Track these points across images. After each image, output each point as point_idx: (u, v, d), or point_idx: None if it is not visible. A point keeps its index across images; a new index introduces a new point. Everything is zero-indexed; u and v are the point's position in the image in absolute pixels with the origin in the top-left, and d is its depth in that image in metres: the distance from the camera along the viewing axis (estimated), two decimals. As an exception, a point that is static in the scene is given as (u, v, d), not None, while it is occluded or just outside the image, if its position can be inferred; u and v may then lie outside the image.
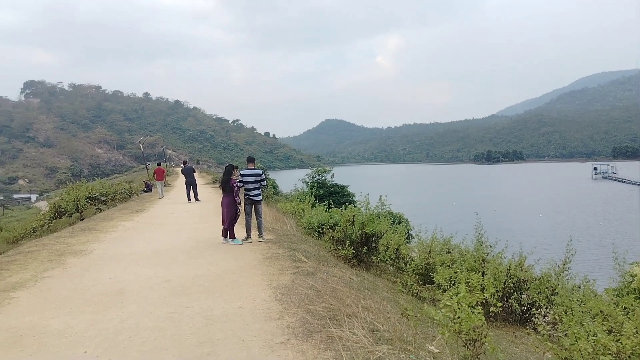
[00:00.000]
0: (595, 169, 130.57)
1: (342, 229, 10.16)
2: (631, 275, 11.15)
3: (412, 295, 8.79)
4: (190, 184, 21.89)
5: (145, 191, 29.47)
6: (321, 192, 28.26)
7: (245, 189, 10.31)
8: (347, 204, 28.35)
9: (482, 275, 10.38)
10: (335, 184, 30.25)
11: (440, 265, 12.00)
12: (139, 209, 18.72)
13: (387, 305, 6.63)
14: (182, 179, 27.11)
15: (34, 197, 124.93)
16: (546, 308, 9.70)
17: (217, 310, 5.52)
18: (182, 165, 24.10)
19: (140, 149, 42.30)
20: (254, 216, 10.52)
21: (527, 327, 9.58)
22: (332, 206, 17.46)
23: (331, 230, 10.88)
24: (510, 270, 10.23)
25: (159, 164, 26.88)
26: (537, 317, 9.83)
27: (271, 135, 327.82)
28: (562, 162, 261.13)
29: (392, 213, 26.20)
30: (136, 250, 9.65)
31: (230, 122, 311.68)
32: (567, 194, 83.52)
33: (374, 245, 9.98)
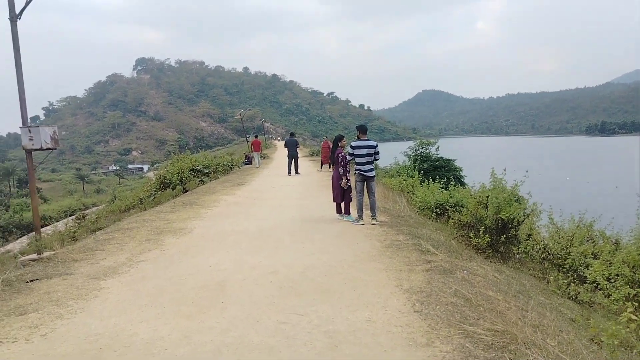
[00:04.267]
0: None
1: (473, 212, 8.51)
2: None
3: (570, 299, 7.01)
4: (293, 156, 21.08)
5: (246, 163, 29.36)
6: (425, 166, 26.30)
7: (357, 163, 8.97)
8: (454, 179, 26.26)
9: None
10: (441, 157, 28.07)
11: (582, 255, 10.00)
12: (240, 182, 18.19)
13: (557, 320, 5.00)
14: (280, 152, 26.71)
15: (146, 167, 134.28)
16: None
17: (340, 322, 4.25)
18: (288, 136, 23.23)
19: (241, 122, 42.64)
20: (366, 195, 9.19)
21: None
22: (438, 182, 15.70)
23: (457, 214, 9.26)
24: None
25: (256, 136, 27.49)
26: None
27: (366, 108, 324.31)
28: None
29: (504, 190, 23.75)
30: (238, 229, 8.74)
31: (325, 94, 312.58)
32: None
33: (515, 233, 8.23)
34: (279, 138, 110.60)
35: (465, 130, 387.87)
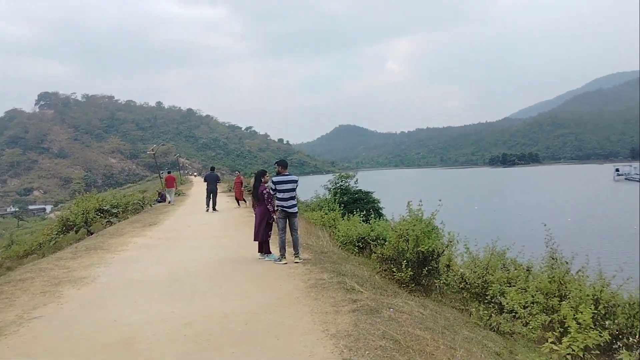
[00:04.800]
0: (617, 170, 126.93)
1: (394, 245, 8.45)
2: None
3: (492, 330, 7.04)
4: (212, 191, 20.47)
5: (160, 201, 28.02)
6: (345, 198, 26.52)
7: (279, 199, 8.67)
8: (373, 210, 26.64)
9: (560, 300, 8.65)
10: (360, 189, 28.49)
11: (497, 283, 10.28)
12: (153, 221, 17.17)
13: (484, 356, 4.91)
14: (197, 188, 25.96)
15: (49, 207, 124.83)
16: (636, 337, 7.93)
17: (264, 379, 3.85)
18: (208, 171, 22.55)
19: (153, 158, 41.03)
20: (288, 232, 8.88)
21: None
22: (358, 214, 15.76)
23: (379, 247, 9.18)
24: (597, 294, 8.48)
25: (169, 172, 26.83)
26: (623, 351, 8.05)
27: (285, 142, 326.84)
28: (579, 164, 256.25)
29: (421, 220, 24.42)
30: (148, 275, 8.04)
31: (243, 129, 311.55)
32: (594, 197, 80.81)
33: (435, 265, 8.25)
34: (195, 173, 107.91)
35: (380, 163, 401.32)
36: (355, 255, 10.68)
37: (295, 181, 8.67)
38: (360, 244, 11.10)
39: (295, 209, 8.69)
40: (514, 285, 10.47)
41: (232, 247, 10.72)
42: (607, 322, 8.29)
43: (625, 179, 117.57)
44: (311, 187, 33.85)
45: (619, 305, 8.40)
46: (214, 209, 20.37)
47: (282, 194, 8.58)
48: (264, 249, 9.06)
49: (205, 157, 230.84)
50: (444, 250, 8.55)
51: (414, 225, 8.20)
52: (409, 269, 7.79)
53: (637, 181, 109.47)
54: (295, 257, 8.65)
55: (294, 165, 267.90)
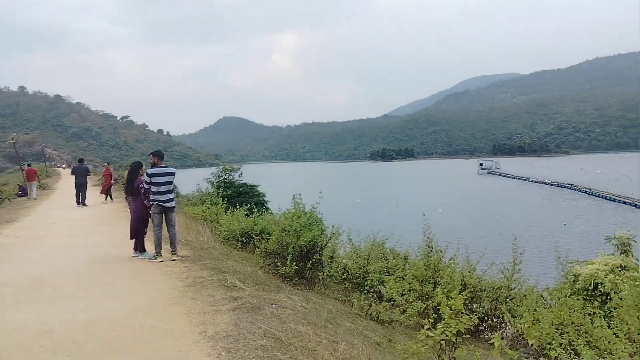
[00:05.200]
0: (481, 164, 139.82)
1: (278, 239, 8.33)
2: (574, 275, 10.55)
3: (373, 320, 7.22)
4: (81, 185, 19.15)
5: (21, 195, 25.26)
6: (229, 192, 25.94)
7: (154, 193, 8.12)
8: (258, 204, 26.41)
9: (434, 286, 9.17)
10: (244, 183, 28.05)
11: (377, 273, 10.68)
12: (10, 218, 15.37)
13: (365, 347, 4.96)
14: (66, 181, 23.87)
15: None
16: (498, 319, 8.69)
17: (132, 391, 3.50)
18: (76, 163, 21.01)
19: (14, 148, 36.90)
20: (165, 227, 8.37)
21: (479, 341, 8.51)
22: (242, 209, 15.49)
23: (263, 242, 9.01)
24: (466, 279, 9.11)
25: (29, 165, 26.02)
26: (491, 330, 8.78)
27: (165, 133, 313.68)
28: (449, 159, 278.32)
29: (305, 213, 24.79)
30: (2, 281, 7.09)
31: (118, 118, 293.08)
32: (463, 189, 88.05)
33: (319, 257, 8.27)
34: (64, 165, 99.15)
35: (266, 156, 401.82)
36: (238, 250, 10.40)
37: (173, 174, 8.21)
38: (243, 238, 10.83)
39: (172, 204, 8.22)
40: (393, 274, 10.94)
41: (103, 245, 9.89)
42: (474, 306, 8.95)
43: (488, 172, 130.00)
44: (193, 181, 32.75)
45: (484, 290, 9.09)
46: (83, 203, 19.03)
47: (158, 187, 8.05)
48: (138, 246, 8.46)
49: (76, 147, 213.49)
50: (327, 243, 8.61)
51: (297, 217, 8.14)
52: (293, 263, 7.71)
53: (498, 174, 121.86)
54: (173, 254, 8.18)
55: (175, 157, 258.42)
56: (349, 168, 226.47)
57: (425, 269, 9.68)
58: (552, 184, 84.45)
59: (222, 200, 20.15)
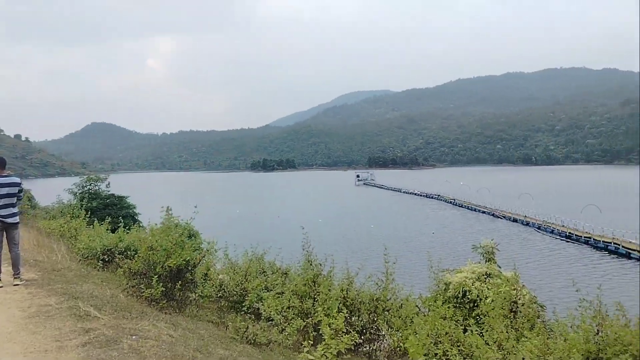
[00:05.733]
0: (358, 176, 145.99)
1: (144, 258, 7.48)
2: (445, 283, 10.99)
3: (249, 343, 6.71)
4: None
5: None
6: (94, 204, 23.69)
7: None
8: (128, 217, 24.50)
9: (314, 302, 8.92)
10: (112, 194, 25.84)
11: (256, 290, 10.24)
12: None
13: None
14: None
15: None
16: (377, 331, 8.70)
17: None
18: None
19: None
20: (6, 247, 7.13)
21: (358, 355, 8.43)
22: (105, 223, 14.12)
23: (127, 260, 8.06)
24: (344, 292, 8.98)
25: None
26: (370, 343, 8.75)
27: (23, 138, 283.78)
28: (328, 170, 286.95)
29: (177, 227, 23.59)
30: None
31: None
32: (341, 199, 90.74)
33: (191, 277, 7.56)
34: None
35: (139, 165, 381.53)
36: (98, 271, 9.25)
37: (16, 184, 7.06)
38: (105, 257, 9.69)
39: (15, 219, 7.04)
40: (272, 290, 10.50)
41: None
42: (353, 319, 8.83)
43: (364, 183, 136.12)
44: (55, 192, 29.64)
45: (363, 302, 9.02)
46: None
47: None
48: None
49: None
50: (200, 260, 7.94)
51: (166, 235, 7.38)
52: (160, 284, 6.94)
53: (373, 185, 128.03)
54: (15, 278, 6.97)
55: (35, 166, 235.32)
56: (228, 178, 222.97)
57: (304, 284, 9.41)
58: (421, 195, 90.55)
59: (86, 213, 18.30)
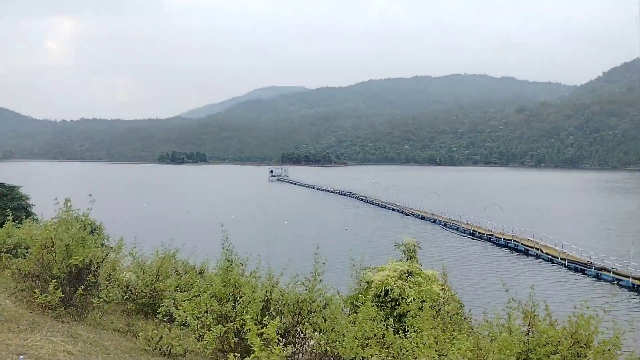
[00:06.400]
0: (271, 171, 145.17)
1: (37, 257, 6.40)
2: (367, 282, 10.79)
3: (164, 355, 5.91)
4: None
5: None
6: (-21, 194, 21.22)
7: None
8: (19, 209, 22.11)
9: (234, 304, 8.24)
10: (2, 183, 23.26)
11: (170, 290, 9.40)
12: None
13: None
14: None
15: None
16: (301, 334, 8.25)
17: None
18: None
19: None
20: None
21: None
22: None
23: (17, 260, 6.88)
24: (268, 295, 8.40)
25: None
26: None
27: None
28: (241, 165, 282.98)
29: (80, 219, 21.74)
30: None
31: None
32: (256, 194, 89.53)
33: (94, 279, 6.57)
34: None
35: (35, 154, 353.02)
36: (-20, 271, 7.90)
37: None
38: (-11, 255, 8.33)
39: None
40: (186, 291, 9.65)
41: None
42: (276, 320, 8.25)
43: (278, 179, 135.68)
44: None
45: (287, 304, 8.48)
46: None
47: None
48: None
49: None
50: (104, 259, 6.97)
51: (65, 230, 6.35)
52: (59, 289, 5.92)
53: (287, 181, 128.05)
54: None
55: None
56: (134, 170, 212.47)
57: (224, 285, 8.70)
58: (334, 192, 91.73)
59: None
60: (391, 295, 10.45)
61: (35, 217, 22.68)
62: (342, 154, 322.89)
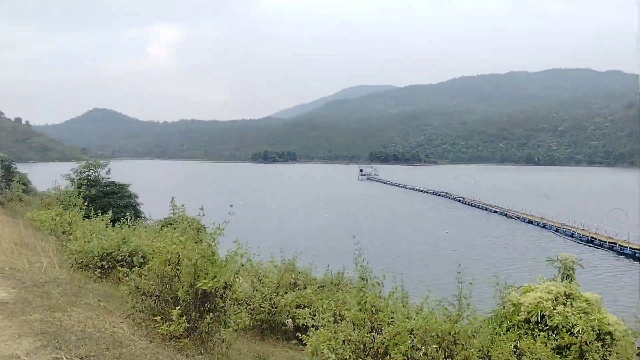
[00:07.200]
0: (361, 170, 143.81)
1: (159, 274, 5.41)
2: (513, 304, 8.94)
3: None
4: None
5: None
6: (93, 192, 21.68)
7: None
8: (129, 207, 22.45)
9: (374, 333, 6.88)
10: (113, 181, 23.82)
11: (290, 307, 8.30)
12: None
13: None
14: None
15: None
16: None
17: None
18: None
19: None
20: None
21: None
22: (101, 216, 12.04)
23: (133, 273, 5.98)
24: (412, 322, 6.94)
25: None
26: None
27: (24, 122, 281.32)
28: (329, 164, 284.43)
29: (186, 218, 21.52)
30: None
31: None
32: (347, 193, 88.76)
33: (223, 304, 5.48)
34: None
35: (140, 153, 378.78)
36: (95, 282, 7.18)
37: None
38: (105, 263, 7.62)
39: None
40: (307, 307, 8.51)
41: None
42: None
43: (367, 178, 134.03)
44: (53, 177, 27.68)
45: (433, 336, 6.98)
46: None
47: None
48: None
49: None
50: (234, 277, 5.88)
51: (193, 243, 5.28)
52: (183, 317, 4.86)
53: (377, 180, 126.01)
54: (-25, 303, 4.89)
55: (35, 150, 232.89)
56: (231, 169, 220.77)
57: (360, 310, 7.37)
58: (427, 192, 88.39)
59: (84, 202, 16.38)
60: (549, 323, 8.54)
61: (143, 216, 23.00)
62: (432, 152, 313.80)
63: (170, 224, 14.69)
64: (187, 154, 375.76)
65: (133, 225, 11.50)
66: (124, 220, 10.19)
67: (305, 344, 8.45)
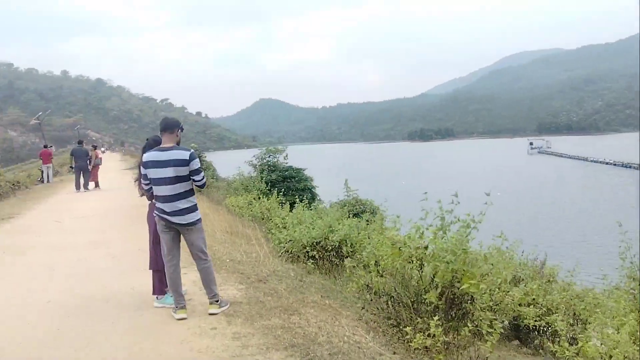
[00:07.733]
0: (531, 144, 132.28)
1: (399, 271, 4.62)
2: None
3: None
4: (80, 168, 18.26)
5: (42, 180, 22.56)
6: (273, 176, 22.41)
7: (156, 197, 4.48)
8: (306, 191, 22.81)
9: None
10: (290, 166, 24.42)
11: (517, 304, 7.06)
12: (12, 212, 12.23)
13: None
14: (103, 164, 22.26)
15: None
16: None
17: None
18: (75, 145, 21.04)
19: (40, 129, 34.48)
20: (187, 258, 4.75)
21: None
22: (293, 200, 11.86)
23: (358, 269, 5.31)
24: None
25: (45, 146, 24.42)
26: None
27: (203, 115, 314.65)
28: (491, 139, 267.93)
29: (360, 201, 21.23)
30: None
31: (158, 101, 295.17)
32: (516, 169, 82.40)
33: (472, 309, 4.51)
34: (103, 149, 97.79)
35: (302, 138, 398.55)
36: (310, 273, 6.74)
37: (183, 161, 4.35)
38: (315, 252, 7.18)
39: (188, 217, 4.44)
40: (532, 306, 7.20)
41: (107, 267, 6.41)
42: None
43: (539, 152, 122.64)
44: (232, 164, 29.58)
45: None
46: (85, 187, 18.40)
47: (157, 186, 4.39)
48: (156, 286, 4.90)
49: (117, 130, 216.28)
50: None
51: (443, 239, 4.36)
52: (440, 327, 3.99)
53: (551, 154, 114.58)
54: (211, 304, 4.56)
55: (214, 139, 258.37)
56: (387, 149, 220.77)
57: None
58: (615, 164, 77.57)
59: (266, 186, 16.88)
60: None
61: (318, 199, 23.24)
62: (613, 119, 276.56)
63: (350, 207, 14.07)
64: (345, 136, 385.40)
65: (313, 208, 11.14)
66: (303, 204, 9.93)
67: (537, 348, 7.19)
